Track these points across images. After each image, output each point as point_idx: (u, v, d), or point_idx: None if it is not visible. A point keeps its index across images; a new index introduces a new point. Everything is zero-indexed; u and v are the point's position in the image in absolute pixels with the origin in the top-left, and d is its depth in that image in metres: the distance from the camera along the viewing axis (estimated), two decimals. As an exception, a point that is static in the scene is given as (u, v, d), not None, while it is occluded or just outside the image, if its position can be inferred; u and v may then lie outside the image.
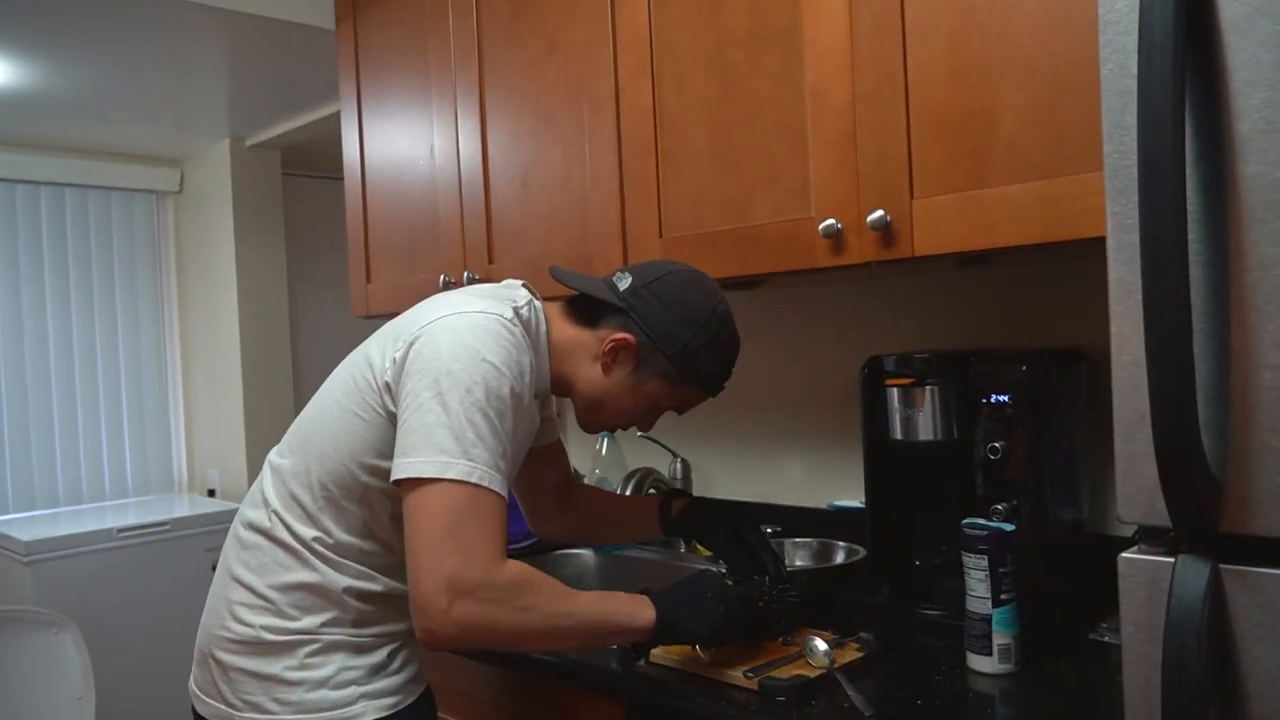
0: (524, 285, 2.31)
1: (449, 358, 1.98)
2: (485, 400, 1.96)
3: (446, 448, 1.92)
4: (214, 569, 2.33)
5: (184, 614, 5.31)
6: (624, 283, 2.27)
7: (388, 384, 2.07)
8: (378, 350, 2.15)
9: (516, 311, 2.14)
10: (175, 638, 5.23)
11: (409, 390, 2.00)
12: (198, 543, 5.52)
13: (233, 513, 5.74)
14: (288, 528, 2.16)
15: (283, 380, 6.32)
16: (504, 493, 1.96)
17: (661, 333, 2.20)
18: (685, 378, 2.24)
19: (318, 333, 6.68)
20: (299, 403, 6.20)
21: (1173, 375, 1.28)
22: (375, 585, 2.17)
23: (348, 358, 2.26)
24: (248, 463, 6.14)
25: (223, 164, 6.26)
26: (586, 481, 3.70)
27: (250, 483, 6.01)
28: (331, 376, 2.27)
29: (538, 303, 2.27)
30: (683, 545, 3.33)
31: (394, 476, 1.96)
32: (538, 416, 2.29)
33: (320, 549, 2.14)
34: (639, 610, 2.11)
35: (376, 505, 2.14)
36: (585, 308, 2.29)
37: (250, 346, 6.22)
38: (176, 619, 5.33)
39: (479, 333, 2.03)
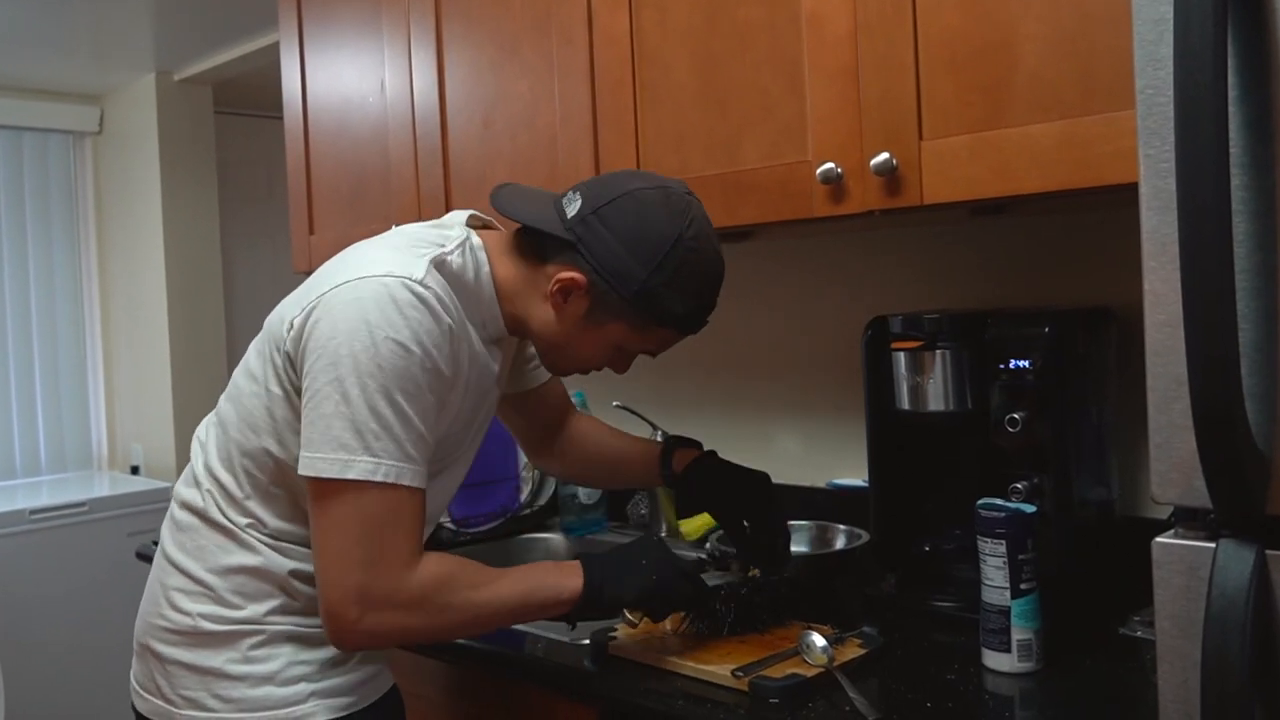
0: (472, 216, 2.28)
1: (347, 336, 1.93)
2: (391, 384, 1.92)
3: (346, 443, 1.90)
4: (139, 555, 2.32)
5: (105, 605, 5.33)
6: (572, 206, 2.16)
7: (289, 354, 2.04)
8: (283, 314, 2.11)
9: (441, 263, 2.08)
10: (95, 632, 5.22)
11: (307, 372, 1.97)
12: (119, 525, 5.49)
13: (158, 492, 5.76)
14: (220, 510, 2.15)
15: (215, 344, 6.31)
16: (417, 483, 1.95)
17: (613, 270, 2.11)
18: (647, 319, 2.16)
19: (254, 291, 6.67)
20: (232, 369, 6.14)
21: (1214, 338, 1.28)
22: (308, 564, 2.12)
23: (268, 318, 2.22)
24: (175, 437, 6.13)
25: (147, 101, 6.24)
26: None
27: (178, 458, 6.05)
28: (254, 341, 2.24)
29: (475, 239, 2.20)
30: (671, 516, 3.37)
31: (299, 471, 1.96)
32: (492, 366, 2.25)
33: (257, 534, 2.13)
34: (565, 581, 2.13)
35: (304, 487, 2.07)
36: (532, 238, 2.21)
37: (178, 306, 6.21)
38: (97, 610, 5.32)
39: (381, 305, 1.95)
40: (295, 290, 2.18)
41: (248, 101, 6.60)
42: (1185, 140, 1.27)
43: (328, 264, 2.16)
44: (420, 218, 3.40)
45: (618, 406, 3.44)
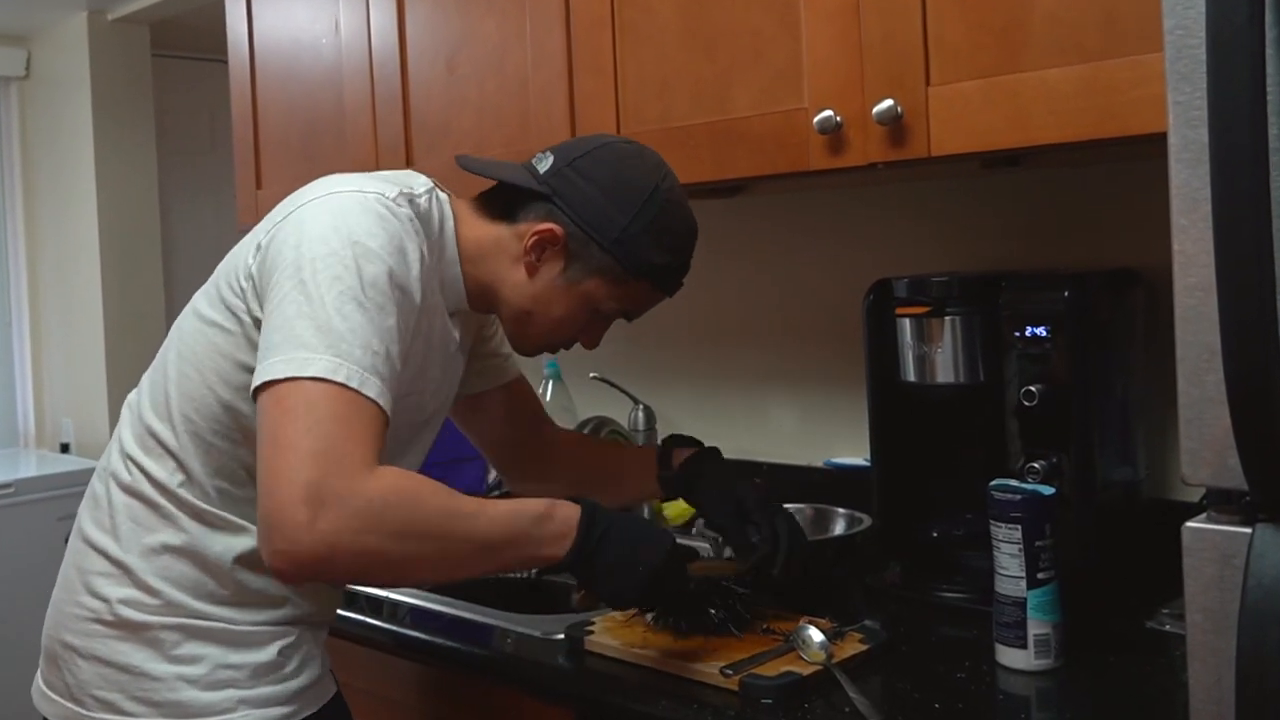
0: (430, 180, 2.29)
1: (315, 240, 1.96)
2: (359, 288, 1.92)
3: (307, 342, 1.86)
4: (69, 540, 2.29)
5: (32, 596, 5.26)
6: (544, 163, 2.25)
7: (254, 278, 2.05)
8: (244, 245, 2.14)
9: (411, 199, 2.12)
10: (21, 626, 5.18)
11: (273, 284, 1.97)
12: (48, 509, 5.49)
13: (90, 472, 5.69)
14: (147, 475, 2.13)
15: (153, 308, 6.29)
16: (382, 402, 1.89)
17: (592, 218, 2.19)
18: (629, 272, 2.21)
19: (196, 250, 6.63)
20: (174, 337, 6.14)
21: (1249, 303, 1.27)
22: (254, 541, 2.06)
23: (221, 264, 2.23)
24: (110, 411, 6.12)
25: (79, 42, 6.21)
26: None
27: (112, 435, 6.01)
28: (200, 289, 2.24)
29: (442, 194, 2.25)
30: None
31: (252, 386, 1.90)
32: (453, 334, 2.28)
33: (187, 497, 2.10)
34: (553, 545, 2.01)
35: (251, 438, 2.04)
36: (500, 199, 2.28)
37: (113, 267, 6.20)
38: (23, 602, 5.28)
39: (352, 213, 2.01)
40: (255, 228, 2.19)
41: (188, 43, 6.57)
42: (1218, 86, 1.27)
43: (296, 192, 2.18)
44: (378, 169, 3.39)
45: (594, 378, 3.43)
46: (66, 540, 2.37)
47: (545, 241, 2.19)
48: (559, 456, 2.72)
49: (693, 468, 2.50)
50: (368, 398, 1.86)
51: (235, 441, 2.09)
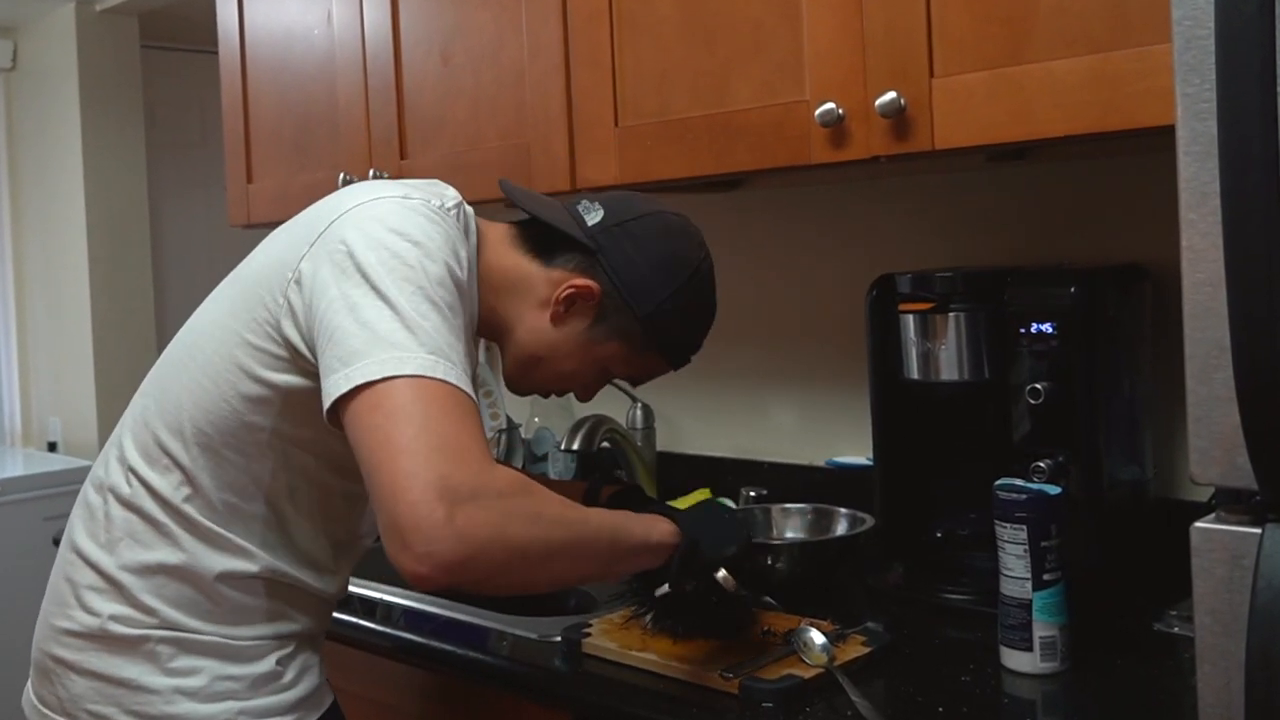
0: (458, 194, 2.23)
1: (373, 244, 1.89)
2: (430, 287, 1.86)
3: (399, 342, 1.79)
4: (56, 541, 2.27)
5: (19, 597, 5.26)
6: (593, 215, 2.20)
7: (289, 298, 1.98)
8: (274, 255, 2.07)
9: (444, 210, 2.06)
10: (9, 627, 5.20)
11: (330, 297, 1.88)
12: (34, 510, 5.48)
13: (78, 471, 5.73)
14: (149, 489, 2.09)
15: (142, 305, 6.28)
16: (474, 396, 1.84)
17: (634, 286, 2.16)
18: (649, 343, 2.21)
19: (186, 246, 6.64)
20: (162, 334, 6.14)
21: (1259, 298, 1.27)
22: (254, 566, 2.09)
23: (232, 272, 2.19)
24: (98, 409, 6.10)
25: (66, 34, 6.21)
26: (523, 434, 3.70)
27: (101, 433, 6.02)
28: (210, 296, 2.20)
29: (469, 209, 2.19)
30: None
31: (330, 399, 1.81)
32: (474, 351, 2.24)
33: (191, 513, 2.07)
34: (655, 524, 2.04)
35: (267, 453, 2.06)
36: (539, 236, 2.22)
37: (101, 263, 6.19)
38: (10, 603, 5.29)
39: (403, 215, 1.95)
40: (275, 233, 2.16)
41: (178, 34, 6.57)
42: (1227, 78, 1.27)
43: (326, 200, 2.13)
44: (372, 164, 3.40)
45: (593, 376, 3.43)
46: (54, 540, 2.35)
47: (580, 296, 2.15)
48: None
49: (619, 503, 2.42)
50: (466, 393, 1.81)
51: (249, 455, 2.06)
